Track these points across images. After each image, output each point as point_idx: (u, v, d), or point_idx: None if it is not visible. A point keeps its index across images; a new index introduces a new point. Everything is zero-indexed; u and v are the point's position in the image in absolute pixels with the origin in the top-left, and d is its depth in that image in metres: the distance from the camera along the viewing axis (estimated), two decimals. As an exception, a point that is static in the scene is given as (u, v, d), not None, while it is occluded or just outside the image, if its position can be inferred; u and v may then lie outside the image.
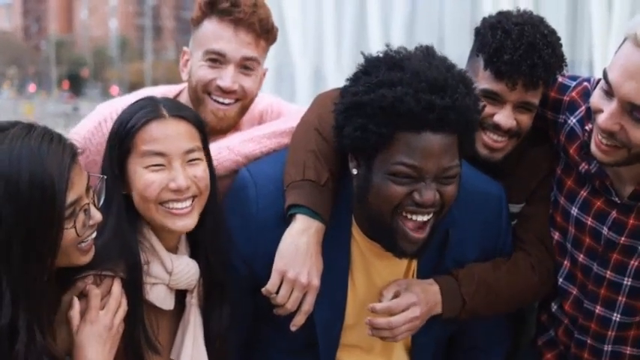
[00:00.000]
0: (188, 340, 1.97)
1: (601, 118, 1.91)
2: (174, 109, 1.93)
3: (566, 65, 2.19)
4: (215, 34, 2.25)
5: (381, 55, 1.89)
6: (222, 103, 2.26)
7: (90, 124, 2.40)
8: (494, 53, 2.10)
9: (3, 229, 1.60)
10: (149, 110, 1.90)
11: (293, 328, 1.96)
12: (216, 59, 2.25)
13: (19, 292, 1.62)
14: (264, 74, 2.38)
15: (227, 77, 2.24)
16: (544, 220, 2.26)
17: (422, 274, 2.09)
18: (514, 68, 2.08)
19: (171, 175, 1.88)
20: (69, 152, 1.68)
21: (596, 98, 1.95)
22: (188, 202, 1.90)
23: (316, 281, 1.93)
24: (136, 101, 1.96)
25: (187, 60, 2.35)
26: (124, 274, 1.86)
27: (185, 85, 2.40)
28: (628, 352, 2.20)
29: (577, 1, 10.35)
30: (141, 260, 1.89)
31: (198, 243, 2.00)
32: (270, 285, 1.93)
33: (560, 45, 2.17)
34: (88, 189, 1.74)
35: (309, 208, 1.93)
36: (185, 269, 1.94)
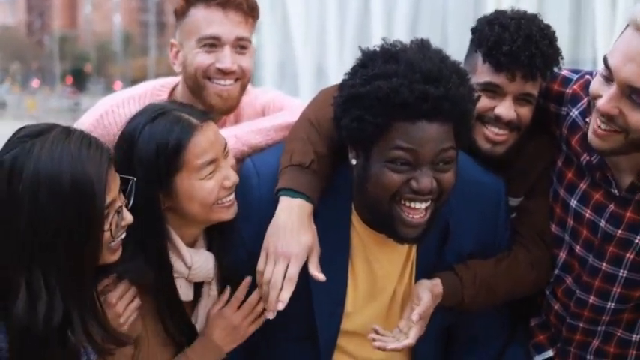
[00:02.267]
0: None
1: (600, 102, 1.94)
2: (196, 114, 1.99)
3: (562, 58, 2.25)
4: (206, 19, 2.28)
5: (377, 48, 1.94)
6: (225, 85, 2.30)
7: (91, 118, 2.44)
8: (493, 46, 2.16)
9: (49, 230, 1.64)
10: (183, 125, 1.93)
11: (280, 305, 1.95)
12: (212, 44, 2.29)
13: (68, 290, 1.66)
14: (253, 51, 2.41)
15: (226, 59, 2.28)
16: (544, 216, 2.30)
17: (421, 263, 2.14)
18: (513, 59, 2.14)
19: (222, 174, 1.97)
20: (106, 156, 1.73)
21: (596, 84, 1.99)
22: (233, 194, 2.01)
23: (295, 249, 1.96)
24: (153, 119, 1.95)
25: (177, 52, 2.38)
26: (152, 279, 1.95)
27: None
28: (619, 333, 2.25)
29: (580, 0, 10.35)
30: (171, 266, 1.97)
31: (212, 235, 2.07)
32: (258, 265, 1.99)
33: (556, 39, 2.23)
34: (119, 191, 1.79)
35: (290, 189, 1.99)
36: (204, 263, 2.02)
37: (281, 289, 1.97)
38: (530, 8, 2.34)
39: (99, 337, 1.73)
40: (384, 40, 1.97)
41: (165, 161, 1.92)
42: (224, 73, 2.30)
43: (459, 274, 2.14)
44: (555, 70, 2.31)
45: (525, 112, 2.23)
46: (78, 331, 1.68)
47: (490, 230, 2.21)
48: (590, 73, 2.26)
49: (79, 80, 66.15)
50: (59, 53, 66.41)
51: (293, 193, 2.00)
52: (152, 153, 1.92)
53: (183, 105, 2.07)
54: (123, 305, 1.95)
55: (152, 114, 1.96)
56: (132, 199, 1.84)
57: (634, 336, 2.25)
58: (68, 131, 1.72)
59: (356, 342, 2.19)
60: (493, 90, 2.20)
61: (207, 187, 1.95)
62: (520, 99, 2.21)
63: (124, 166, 1.90)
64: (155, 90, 2.48)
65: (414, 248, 2.14)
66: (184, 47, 2.34)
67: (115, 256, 1.82)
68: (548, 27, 2.24)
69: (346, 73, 1.98)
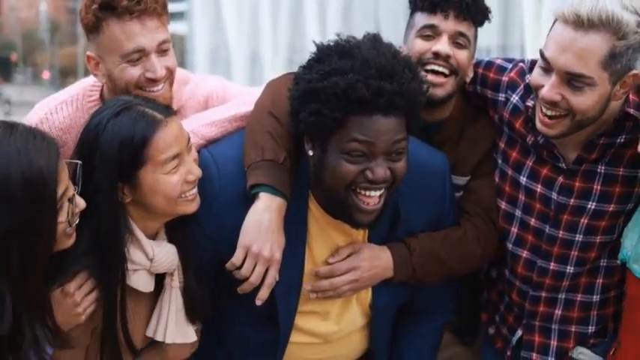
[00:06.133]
0: (171, 320, 2.08)
1: (544, 90, 2.11)
2: (160, 108, 2.00)
3: (490, 11, 2.43)
4: (125, 34, 2.22)
5: (332, 43, 2.02)
6: (158, 91, 2.28)
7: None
8: None
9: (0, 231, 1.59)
10: (148, 121, 1.94)
11: (258, 302, 2.07)
12: (138, 57, 2.25)
13: (19, 293, 1.63)
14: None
15: (155, 67, 2.25)
16: (489, 194, 2.45)
17: (373, 243, 2.23)
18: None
19: (185, 168, 1.99)
20: (54, 148, 1.71)
21: (536, 76, 2.16)
22: (196, 188, 2.04)
23: (278, 255, 2.05)
24: (117, 114, 1.94)
25: (97, 63, 2.32)
26: (105, 271, 1.95)
27: None
28: (578, 298, 2.40)
29: (509, -11, 10.59)
30: (126, 261, 1.97)
31: (174, 227, 2.09)
32: (235, 259, 2.04)
33: None
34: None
35: (270, 186, 2.04)
36: (165, 255, 2.04)
37: (259, 286, 2.06)
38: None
39: (45, 339, 1.71)
40: (337, 35, 2.04)
41: (130, 156, 1.93)
42: (155, 80, 2.28)
43: (407, 243, 2.26)
44: (490, 59, 2.49)
45: (462, 55, 2.38)
46: (27, 334, 1.64)
47: (438, 208, 2.32)
48: (523, 61, 2.45)
49: (5, 70, 64.23)
50: (-17, 42, 64.29)
51: (273, 190, 2.05)
52: (116, 148, 1.92)
53: (147, 100, 2.08)
54: (81, 295, 1.95)
55: (116, 109, 1.97)
56: (79, 184, 1.84)
57: (594, 297, 2.41)
58: (12, 126, 1.69)
59: (314, 321, 2.27)
60: (430, 33, 2.36)
61: (172, 181, 1.98)
62: (456, 41, 2.37)
63: (86, 160, 1.90)
64: (86, 91, 2.45)
65: (367, 231, 2.23)
66: (106, 61, 2.27)
67: (71, 241, 1.82)
68: None
69: (301, 67, 2.04)
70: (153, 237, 2.06)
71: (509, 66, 2.45)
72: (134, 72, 2.24)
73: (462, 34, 2.37)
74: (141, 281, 2.02)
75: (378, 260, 2.21)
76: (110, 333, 2.00)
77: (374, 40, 2.03)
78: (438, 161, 2.31)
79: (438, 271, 2.30)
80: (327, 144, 1.98)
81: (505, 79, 2.42)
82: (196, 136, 2.23)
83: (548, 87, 2.10)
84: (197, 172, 2.03)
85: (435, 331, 2.51)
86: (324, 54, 2.00)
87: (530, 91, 2.30)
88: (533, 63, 2.39)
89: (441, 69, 2.35)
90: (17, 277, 1.63)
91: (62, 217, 1.73)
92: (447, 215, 2.34)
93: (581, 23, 2.02)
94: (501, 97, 2.42)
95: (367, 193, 2.00)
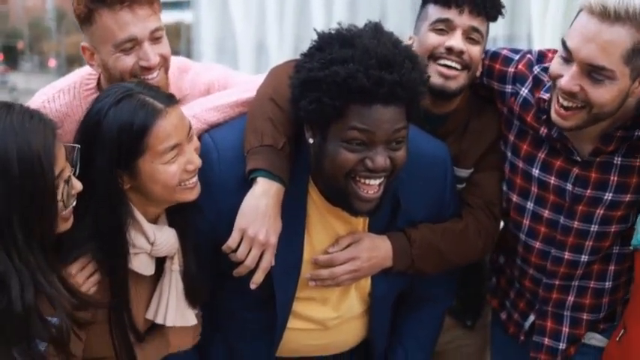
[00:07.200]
0: (171, 303, 2.10)
1: (563, 81, 2.10)
2: (161, 97, 2.00)
3: (504, 6, 2.42)
4: (117, 24, 2.23)
5: (333, 32, 2.03)
6: (153, 79, 2.29)
7: None
8: None
9: (1, 206, 1.63)
10: (148, 110, 1.95)
11: (253, 285, 2.08)
12: (131, 46, 2.26)
13: (33, 263, 1.67)
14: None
15: (148, 56, 2.26)
16: (493, 187, 2.46)
17: (374, 232, 2.25)
18: None
19: (185, 157, 2.00)
20: (50, 128, 1.73)
21: (556, 65, 2.15)
22: (196, 176, 2.05)
23: (274, 239, 2.06)
24: (118, 102, 1.96)
25: (92, 54, 2.34)
26: (107, 256, 1.98)
27: None
28: (591, 285, 2.43)
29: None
30: (128, 246, 2.00)
31: (174, 211, 2.11)
32: (231, 241, 2.06)
33: None
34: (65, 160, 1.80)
35: (268, 171, 2.06)
36: (166, 239, 2.06)
37: (254, 270, 2.08)
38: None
39: (68, 305, 1.74)
40: (339, 24, 2.05)
41: (129, 145, 1.95)
42: (149, 68, 2.29)
43: (408, 233, 2.27)
44: (496, 50, 2.48)
45: (475, 51, 2.38)
46: (55, 297, 1.68)
47: (439, 198, 2.33)
48: (530, 52, 2.44)
49: (12, 58, 64.19)
50: (-11, 30, 64.26)
51: (271, 175, 2.06)
52: (115, 136, 1.94)
53: (149, 87, 2.09)
54: (83, 277, 1.96)
55: (118, 96, 1.98)
56: (77, 167, 1.86)
57: (606, 284, 2.44)
58: (9, 106, 1.72)
59: (312, 307, 2.29)
60: (443, 27, 2.36)
61: (170, 170, 1.99)
62: (469, 36, 2.37)
63: (87, 146, 1.92)
64: (84, 80, 2.48)
65: (367, 220, 2.24)
66: (100, 52, 2.29)
67: (68, 224, 1.84)
68: None
69: (303, 55, 2.05)
70: (154, 221, 2.08)
71: (516, 57, 2.44)
72: (128, 61, 2.26)
73: (475, 30, 2.36)
74: (142, 265, 2.05)
75: (378, 250, 2.22)
76: (119, 316, 2.03)
77: (375, 29, 2.04)
78: (439, 151, 2.32)
79: (437, 262, 2.31)
80: (327, 132, 1.99)
81: (512, 70, 2.42)
82: (199, 120, 2.24)
83: (568, 77, 2.09)
84: (197, 161, 2.05)
85: (436, 318, 2.53)
86: (326, 42, 2.01)
87: (539, 83, 2.30)
88: (540, 54, 2.39)
89: (453, 64, 2.35)
90: (25, 253, 1.66)
91: (57, 197, 1.74)
92: (447, 206, 2.35)
93: (607, 15, 2.01)
94: (508, 88, 2.42)
95: (367, 181, 2.01)
